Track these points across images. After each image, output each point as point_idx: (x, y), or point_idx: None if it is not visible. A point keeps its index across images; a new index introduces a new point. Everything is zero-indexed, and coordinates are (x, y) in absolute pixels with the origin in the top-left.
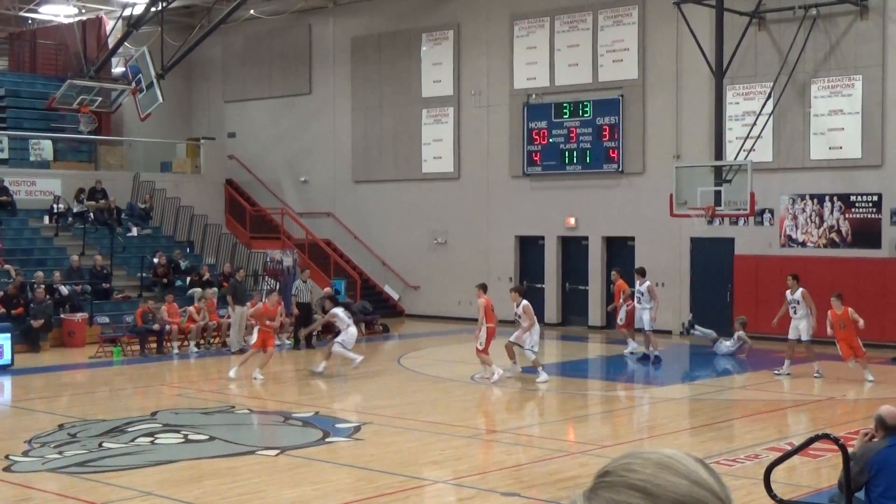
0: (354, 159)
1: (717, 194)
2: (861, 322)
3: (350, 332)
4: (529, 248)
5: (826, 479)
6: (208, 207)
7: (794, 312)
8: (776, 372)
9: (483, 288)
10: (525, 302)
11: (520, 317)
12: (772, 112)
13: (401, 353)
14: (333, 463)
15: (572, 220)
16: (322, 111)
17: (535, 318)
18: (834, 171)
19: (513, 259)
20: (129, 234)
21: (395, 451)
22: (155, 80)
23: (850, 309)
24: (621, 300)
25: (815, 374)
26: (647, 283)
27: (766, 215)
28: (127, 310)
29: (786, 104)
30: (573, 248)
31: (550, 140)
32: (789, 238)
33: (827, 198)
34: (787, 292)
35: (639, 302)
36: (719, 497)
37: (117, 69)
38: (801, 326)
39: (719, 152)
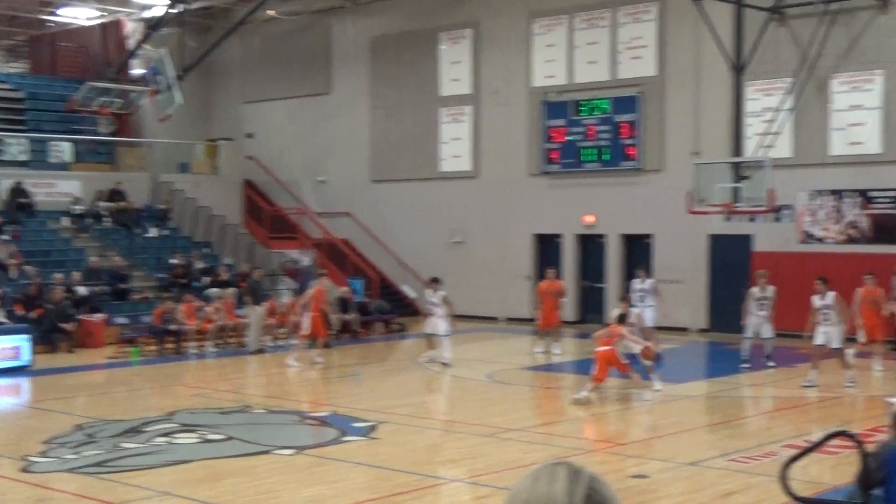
0: (373, 159)
1: (736, 191)
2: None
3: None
4: (547, 247)
5: (843, 476)
6: (226, 208)
7: (826, 319)
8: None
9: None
10: (442, 292)
11: (437, 305)
12: (791, 108)
13: (418, 352)
14: (349, 462)
15: (590, 218)
16: (341, 111)
17: (452, 307)
18: (854, 166)
19: (530, 257)
20: (148, 235)
21: (411, 449)
22: (174, 82)
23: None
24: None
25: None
26: (651, 280)
27: (785, 212)
28: (145, 310)
29: (805, 100)
30: (591, 246)
31: (568, 138)
32: (808, 234)
33: (846, 193)
34: (815, 297)
35: (642, 300)
36: None
37: (137, 71)
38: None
39: (738, 149)
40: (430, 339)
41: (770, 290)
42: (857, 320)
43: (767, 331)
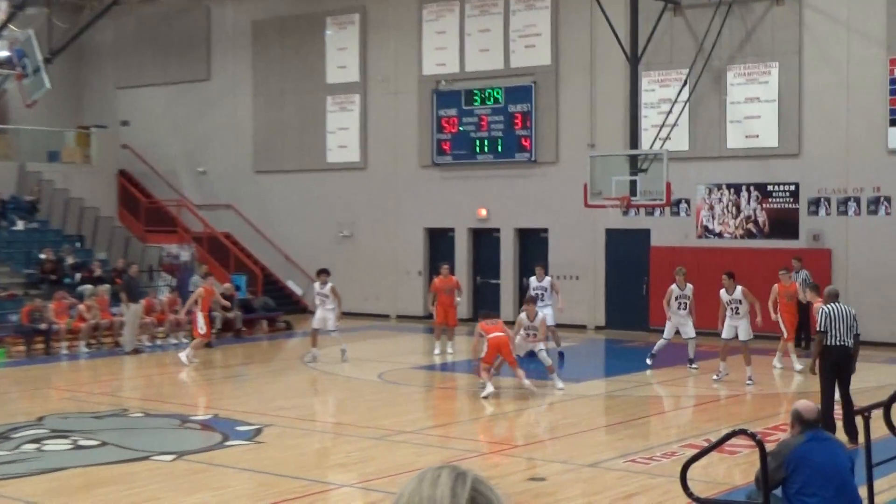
0: (256, 149)
1: (633, 184)
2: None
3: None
4: (439, 241)
5: (743, 476)
6: (100, 199)
7: (736, 312)
8: (714, 378)
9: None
10: (331, 283)
11: (326, 297)
12: (687, 100)
13: (305, 351)
14: (233, 467)
15: (483, 212)
16: (221, 98)
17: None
18: (751, 160)
19: (422, 252)
20: (15, 229)
21: (299, 454)
22: (42, 65)
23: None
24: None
25: (748, 382)
26: (549, 278)
27: (683, 205)
28: (12, 309)
29: (702, 92)
30: (484, 241)
31: (461, 128)
32: (706, 229)
33: (744, 187)
34: (723, 291)
35: (542, 299)
36: None
37: (1, 53)
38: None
39: (634, 141)
40: (315, 335)
41: (689, 289)
42: (773, 316)
43: (689, 331)
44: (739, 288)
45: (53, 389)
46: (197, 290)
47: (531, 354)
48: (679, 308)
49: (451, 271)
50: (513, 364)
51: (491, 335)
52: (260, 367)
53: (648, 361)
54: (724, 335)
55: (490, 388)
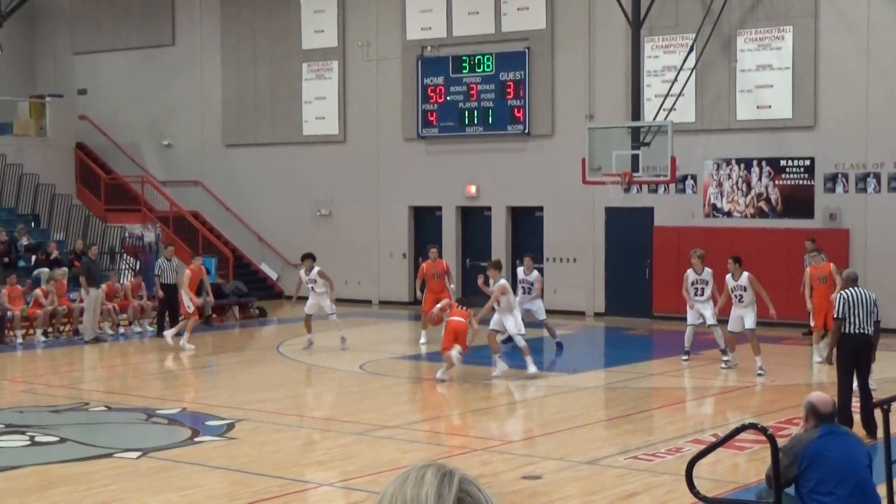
0: (225, 120)
1: (635, 159)
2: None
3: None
4: (425, 220)
5: (753, 473)
6: (56, 175)
7: (740, 300)
8: (722, 367)
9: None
10: (318, 268)
11: (315, 283)
12: (694, 67)
13: (280, 339)
14: (204, 465)
15: (473, 189)
16: (188, 65)
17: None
18: (762, 132)
19: (406, 232)
20: None
21: (275, 450)
22: None
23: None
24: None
25: (759, 371)
26: (536, 272)
27: (689, 182)
28: None
29: (709, 58)
30: (474, 220)
31: (448, 98)
32: (714, 207)
33: (755, 162)
34: (728, 277)
35: (528, 292)
36: None
37: None
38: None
39: (636, 112)
40: (309, 320)
41: (707, 273)
42: (809, 305)
43: (710, 317)
44: (745, 274)
45: (8, 381)
46: (185, 273)
47: (508, 340)
48: (696, 294)
49: (440, 254)
50: (464, 349)
51: (452, 318)
52: (232, 356)
53: (685, 358)
54: (729, 327)
55: (446, 368)
